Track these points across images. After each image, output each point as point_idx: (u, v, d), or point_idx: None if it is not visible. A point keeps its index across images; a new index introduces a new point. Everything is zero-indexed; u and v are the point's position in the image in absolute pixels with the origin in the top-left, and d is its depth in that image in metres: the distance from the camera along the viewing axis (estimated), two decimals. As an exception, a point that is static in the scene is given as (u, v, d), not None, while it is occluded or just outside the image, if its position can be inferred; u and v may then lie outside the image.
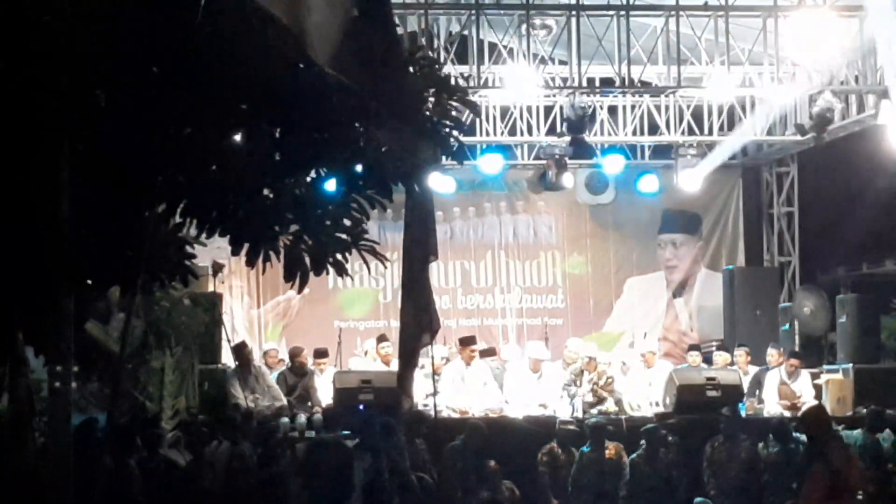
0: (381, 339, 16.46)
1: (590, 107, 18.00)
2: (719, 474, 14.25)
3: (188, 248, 7.46)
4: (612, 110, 19.14)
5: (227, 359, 15.58)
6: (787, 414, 15.60)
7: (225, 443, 13.28)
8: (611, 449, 14.22)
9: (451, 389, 15.97)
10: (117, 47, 6.45)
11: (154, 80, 6.55)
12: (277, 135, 7.11)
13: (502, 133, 18.97)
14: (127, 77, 6.52)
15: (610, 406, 15.79)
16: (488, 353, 17.02)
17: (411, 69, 7.37)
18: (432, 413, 14.55)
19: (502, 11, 16.77)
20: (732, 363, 17.25)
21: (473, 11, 16.33)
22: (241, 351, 15.55)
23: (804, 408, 14.16)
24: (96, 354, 8.93)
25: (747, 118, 18.49)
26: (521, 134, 19.07)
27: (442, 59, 15.81)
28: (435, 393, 14.79)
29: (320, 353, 16.52)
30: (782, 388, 16.42)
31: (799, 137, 18.45)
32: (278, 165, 7.11)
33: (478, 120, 18.32)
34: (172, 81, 6.52)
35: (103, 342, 9.21)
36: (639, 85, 17.15)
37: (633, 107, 19.14)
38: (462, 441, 13.96)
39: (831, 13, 16.19)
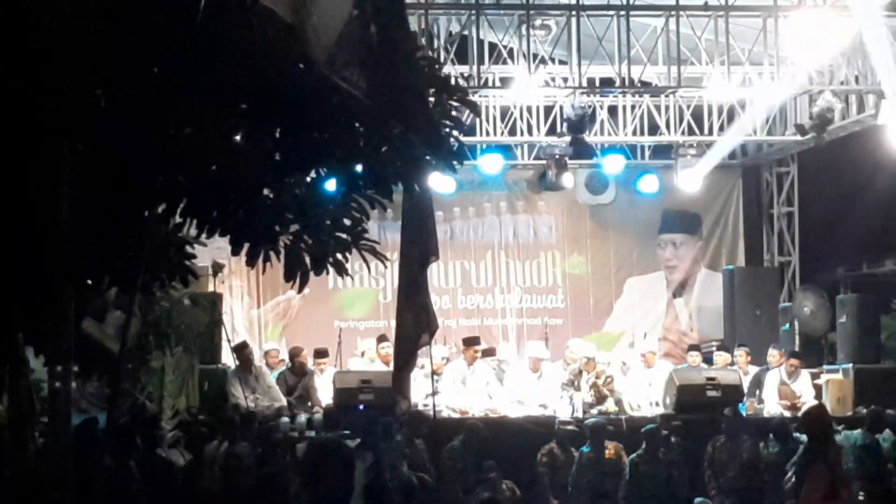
0: (381, 339, 16.44)
1: (590, 107, 18.01)
2: (720, 474, 14.24)
3: (188, 248, 7.46)
4: (612, 110, 19.14)
5: (227, 359, 15.57)
6: (787, 414, 15.60)
7: (224, 443, 13.28)
8: (610, 449, 14.21)
9: (452, 389, 15.97)
10: (117, 47, 6.45)
11: (154, 80, 6.55)
12: (277, 135, 7.11)
13: (502, 133, 18.97)
14: (127, 77, 6.52)
15: (610, 406, 15.78)
16: (487, 353, 17.01)
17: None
18: (432, 413, 14.55)
19: (502, 11, 16.77)
20: (732, 363, 17.25)
21: (473, 11, 16.33)
22: (242, 351, 15.55)
23: (804, 408, 14.20)
24: (94, 352, 8.92)
25: (745, 115, 18.46)
26: (521, 134, 19.07)
27: (442, 59, 15.81)
28: (434, 393, 14.78)
29: (320, 353, 16.52)
30: (782, 389, 16.42)
31: (799, 137, 18.46)
32: (278, 165, 7.11)
33: (478, 120, 18.33)
34: (172, 81, 6.52)
35: (99, 339, 9.19)
36: (639, 85, 17.15)
37: (633, 107, 19.14)
38: (460, 441, 13.96)
39: (831, 13, 16.19)
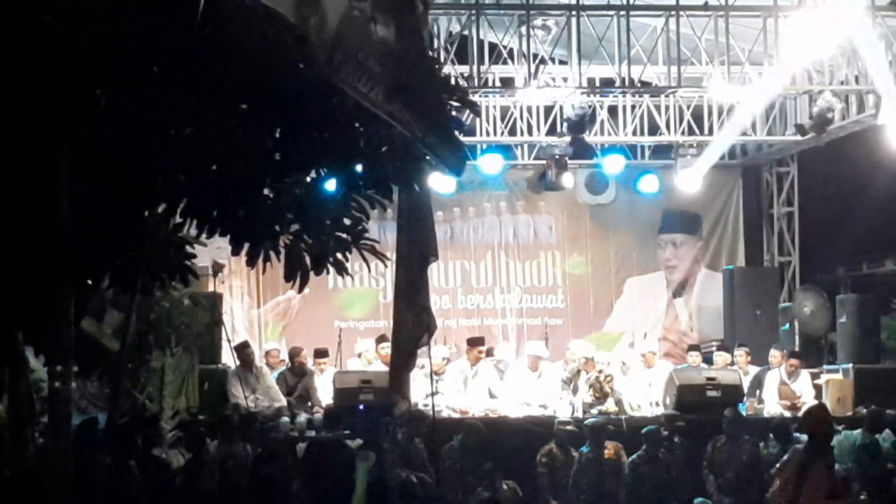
0: (381, 339, 16.42)
1: (590, 107, 18.01)
2: (720, 474, 14.24)
3: (188, 248, 7.46)
4: (612, 110, 19.13)
5: (227, 359, 15.56)
6: (788, 414, 15.60)
7: (224, 443, 13.28)
8: (610, 449, 14.21)
9: (454, 390, 15.97)
10: (117, 47, 6.45)
11: (154, 80, 6.55)
12: (277, 135, 7.11)
13: (502, 133, 18.96)
14: (127, 77, 6.53)
15: (610, 406, 15.76)
16: (487, 352, 17.00)
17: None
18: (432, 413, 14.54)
19: (502, 11, 16.76)
20: (732, 363, 17.25)
21: (473, 11, 16.32)
22: (243, 351, 15.56)
23: (804, 408, 14.20)
24: (93, 352, 8.93)
25: (740, 111, 18.42)
26: (521, 134, 19.07)
27: (442, 59, 15.81)
28: (434, 393, 14.76)
29: (320, 353, 16.52)
30: (782, 388, 16.42)
31: (799, 137, 18.46)
32: (278, 165, 7.11)
33: (478, 120, 18.33)
34: (172, 81, 6.53)
35: (98, 338, 9.19)
36: (639, 85, 17.15)
37: (633, 107, 19.13)
38: (459, 441, 13.96)
39: (831, 13, 16.17)
